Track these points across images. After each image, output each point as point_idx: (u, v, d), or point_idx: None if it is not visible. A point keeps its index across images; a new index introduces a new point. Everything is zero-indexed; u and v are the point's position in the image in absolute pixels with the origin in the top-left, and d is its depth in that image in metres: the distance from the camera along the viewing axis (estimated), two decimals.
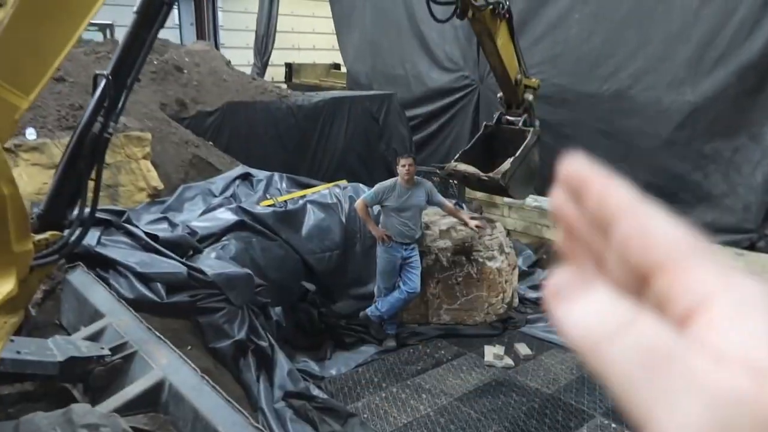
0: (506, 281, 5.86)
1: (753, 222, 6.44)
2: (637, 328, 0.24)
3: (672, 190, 7.02)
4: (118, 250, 4.39)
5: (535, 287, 6.72)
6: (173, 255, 4.49)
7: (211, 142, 7.10)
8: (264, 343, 4.41)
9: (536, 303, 6.43)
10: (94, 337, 3.15)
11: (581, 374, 4.98)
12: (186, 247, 4.74)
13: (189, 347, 4.01)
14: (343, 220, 5.98)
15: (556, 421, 4.29)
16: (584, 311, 0.26)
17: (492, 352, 5.18)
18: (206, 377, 2.70)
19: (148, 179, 5.55)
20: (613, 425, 4.26)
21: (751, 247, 6.38)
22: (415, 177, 5.32)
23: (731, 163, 6.58)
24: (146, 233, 4.64)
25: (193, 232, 5.02)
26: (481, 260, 5.73)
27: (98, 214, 4.50)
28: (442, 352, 5.36)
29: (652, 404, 0.23)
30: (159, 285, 4.20)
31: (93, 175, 2.72)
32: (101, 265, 4.23)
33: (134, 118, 6.17)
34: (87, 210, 2.69)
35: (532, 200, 7.60)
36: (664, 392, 0.22)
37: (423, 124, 9.50)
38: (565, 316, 0.27)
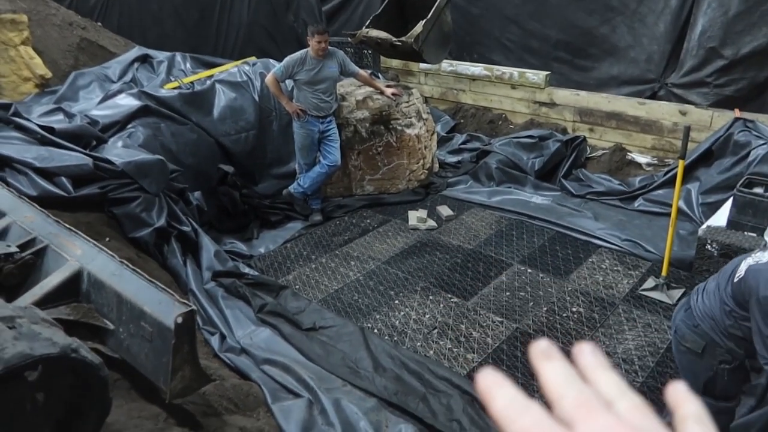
0: (426, 147, 5.94)
1: (655, 72, 6.70)
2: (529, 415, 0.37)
3: (581, 45, 7.13)
4: (11, 146, 4.07)
5: (455, 151, 6.88)
6: (74, 147, 4.22)
7: (99, 23, 6.46)
8: (186, 228, 4.36)
9: (456, 166, 6.62)
10: None
11: (499, 229, 5.28)
12: (88, 137, 4.45)
13: (107, 239, 3.90)
14: (256, 98, 5.76)
15: (477, 272, 4.59)
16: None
17: (416, 216, 5.36)
18: (125, 262, 2.65)
19: (32, 67, 5.04)
20: (529, 270, 4.61)
21: (653, 96, 6.69)
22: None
23: (636, 14, 6.68)
24: (40, 126, 4.30)
25: (93, 122, 4.71)
26: (399, 128, 5.74)
27: None
28: (368, 221, 5.50)
29: None
30: (64, 179, 3.97)
31: None
32: None
33: None
34: None
35: (447, 65, 7.54)
36: None
37: None
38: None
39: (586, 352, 0.43)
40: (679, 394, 0.41)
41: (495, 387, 0.40)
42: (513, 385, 0.40)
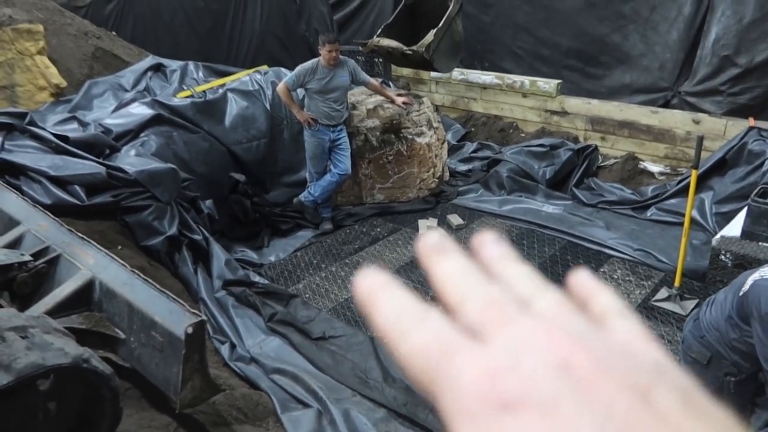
0: (436, 156, 5.94)
1: (668, 80, 6.67)
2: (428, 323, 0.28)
3: (592, 53, 7.11)
4: (26, 154, 4.12)
5: (465, 160, 6.87)
6: (88, 155, 4.26)
7: (114, 32, 6.54)
8: (198, 237, 4.38)
9: (466, 175, 6.60)
10: (12, 246, 3.01)
11: (510, 238, 5.26)
12: (101, 146, 4.49)
13: (119, 247, 3.94)
14: (268, 107, 5.79)
15: None
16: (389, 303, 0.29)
17: (426, 225, 5.35)
18: (137, 272, 2.67)
19: (47, 77, 5.11)
20: None
21: (666, 104, 6.65)
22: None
23: (649, 22, 6.66)
24: (55, 135, 4.35)
25: (107, 131, 4.76)
26: (410, 137, 5.74)
27: None
28: (378, 229, 5.50)
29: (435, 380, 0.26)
30: (78, 188, 4.02)
31: None
32: (9, 172, 3.98)
33: (21, 9, 5.55)
34: None
35: (458, 73, 7.54)
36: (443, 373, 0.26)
37: (344, 0, 9.03)
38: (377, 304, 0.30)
39: (488, 241, 0.34)
40: (585, 283, 0.33)
41: (378, 291, 0.30)
42: (402, 288, 0.30)
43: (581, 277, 0.33)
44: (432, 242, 0.32)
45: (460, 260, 0.31)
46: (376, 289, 0.30)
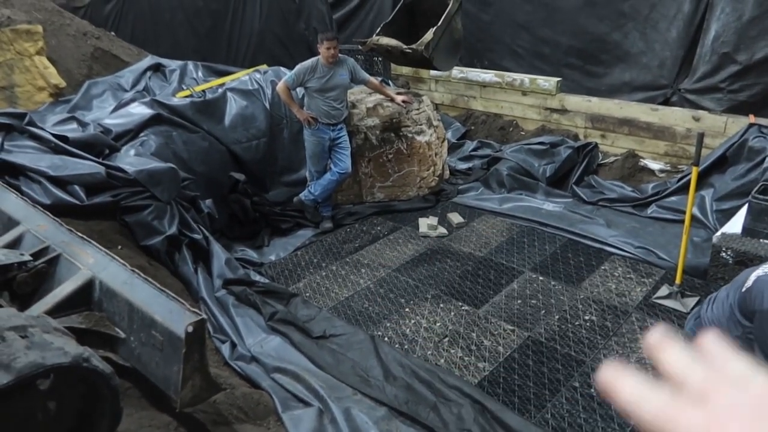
0: (436, 154, 5.93)
1: (667, 78, 6.66)
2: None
3: (592, 52, 7.10)
4: (25, 155, 4.12)
5: (465, 158, 6.86)
6: (87, 155, 4.26)
7: (113, 33, 6.54)
8: (198, 236, 4.38)
9: (466, 173, 6.60)
10: (11, 246, 3.01)
11: (511, 236, 5.26)
12: (100, 146, 4.49)
13: (119, 247, 3.93)
14: (267, 106, 5.78)
15: (489, 280, 4.56)
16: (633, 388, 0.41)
17: (426, 224, 5.34)
18: (137, 271, 2.66)
19: (46, 77, 5.10)
20: (541, 278, 4.58)
21: (666, 102, 6.64)
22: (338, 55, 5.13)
23: (648, 20, 6.65)
24: (54, 135, 4.35)
25: (106, 130, 4.75)
26: (410, 135, 5.74)
27: None
28: (378, 228, 5.49)
29: None
30: (77, 187, 4.01)
31: None
32: (8, 173, 3.98)
33: (20, 10, 5.55)
34: None
35: (458, 72, 7.54)
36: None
37: None
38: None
39: (710, 338, 0.43)
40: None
41: (617, 378, 0.41)
42: (636, 373, 0.41)
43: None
44: (655, 338, 0.43)
45: (682, 350, 0.42)
46: (615, 377, 0.41)
